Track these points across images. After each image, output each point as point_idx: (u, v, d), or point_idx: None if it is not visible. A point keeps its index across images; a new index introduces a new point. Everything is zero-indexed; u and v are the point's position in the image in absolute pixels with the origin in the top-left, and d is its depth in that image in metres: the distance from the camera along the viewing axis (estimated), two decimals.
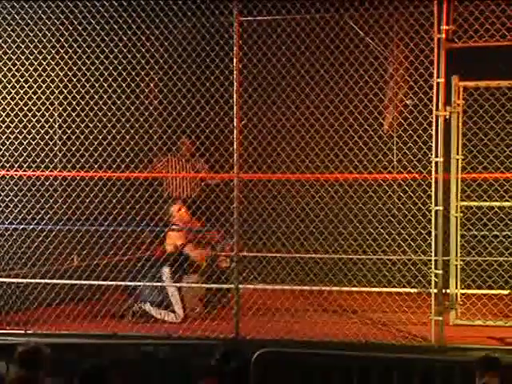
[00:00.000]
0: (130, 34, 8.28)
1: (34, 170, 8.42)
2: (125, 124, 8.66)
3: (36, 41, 8.37)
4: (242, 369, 5.46)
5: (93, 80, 8.48)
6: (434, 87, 7.24)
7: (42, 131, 8.55)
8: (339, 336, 7.58)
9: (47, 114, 8.65)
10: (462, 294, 7.95)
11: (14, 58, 8.52)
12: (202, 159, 9.94)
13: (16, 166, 8.54)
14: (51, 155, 8.75)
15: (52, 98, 8.74)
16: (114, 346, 7.60)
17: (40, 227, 8.36)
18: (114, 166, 8.53)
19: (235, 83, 7.60)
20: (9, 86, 8.55)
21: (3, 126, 8.50)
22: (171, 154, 9.94)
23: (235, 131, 7.65)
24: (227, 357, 5.41)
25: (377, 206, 8.93)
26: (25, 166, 8.48)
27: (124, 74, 8.41)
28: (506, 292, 8.20)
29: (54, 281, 8.38)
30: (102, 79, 8.39)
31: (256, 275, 8.91)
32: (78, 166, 8.74)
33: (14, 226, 8.46)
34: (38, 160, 8.53)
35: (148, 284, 8.51)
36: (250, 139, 8.78)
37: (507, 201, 8.17)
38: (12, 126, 8.51)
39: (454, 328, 7.72)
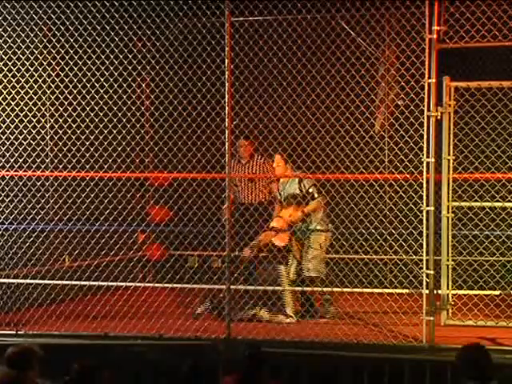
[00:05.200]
0: (122, 34, 8.27)
1: (25, 171, 8.41)
2: (116, 124, 8.66)
3: (27, 41, 8.36)
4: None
5: (84, 80, 8.47)
6: (426, 88, 7.24)
7: (34, 131, 8.54)
8: (330, 336, 7.59)
9: (39, 115, 8.64)
10: (454, 295, 7.95)
11: (5, 58, 8.50)
12: (262, 159, 9.51)
13: (7, 166, 8.53)
14: (42, 155, 8.74)
15: (44, 98, 8.73)
16: (104, 347, 7.60)
17: (31, 227, 8.34)
18: (106, 167, 8.52)
19: (227, 83, 7.59)
20: None
21: None
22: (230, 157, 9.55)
23: (226, 131, 7.64)
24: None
25: (368, 207, 8.93)
26: (16, 166, 8.47)
27: (116, 74, 8.41)
28: (496, 293, 8.20)
29: (46, 281, 8.37)
30: (93, 79, 8.38)
31: (247, 276, 8.89)
32: (69, 167, 8.74)
33: (5, 227, 8.44)
34: (29, 160, 8.51)
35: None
36: (241, 139, 8.78)
37: (498, 201, 8.17)
38: (3, 126, 8.50)
39: (446, 328, 7.72)
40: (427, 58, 7.22)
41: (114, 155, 8.61)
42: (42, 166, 8.74)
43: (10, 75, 8.48)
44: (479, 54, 9.66)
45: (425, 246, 7.26)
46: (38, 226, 8.35)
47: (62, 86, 8.51)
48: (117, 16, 8.15)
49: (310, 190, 8.81)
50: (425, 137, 7.24)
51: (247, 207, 9.31)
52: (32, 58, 8.43)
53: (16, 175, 8.45)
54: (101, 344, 7.67)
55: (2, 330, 8.00)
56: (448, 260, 7.60)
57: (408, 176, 7.55)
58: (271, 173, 9.36)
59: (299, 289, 8.55)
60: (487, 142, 8.96)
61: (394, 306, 7.95)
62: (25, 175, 8.44)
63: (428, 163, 7.25)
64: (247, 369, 5.92)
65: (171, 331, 7.84)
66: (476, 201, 8.21)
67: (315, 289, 8.47)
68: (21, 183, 8.51)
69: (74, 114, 8.65)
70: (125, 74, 8.50)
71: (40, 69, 8.50)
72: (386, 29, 9.13)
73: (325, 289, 8.47)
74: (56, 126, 8.87)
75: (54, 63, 8.82)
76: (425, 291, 7.28)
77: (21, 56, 8.42)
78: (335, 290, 8.32)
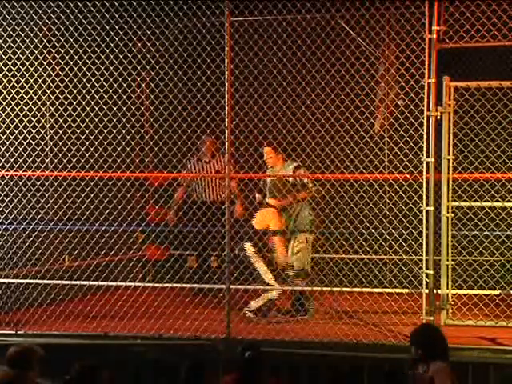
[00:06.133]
0: (122, 34, 8.28)
1: (25, 171, 8.41)
2: (116, 124, 8.66)
3: (27, 41, 8.36)
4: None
5: (84, 80, 8.47)
6: (425, 87, 7.24)
7: (34, 131, 8.54)
8: (330, 336, 7.59)
9: (38, 115, 8.64)
10: (453, 294, 7.96)
11: (5, 58, 8.51)
12: (223, 158, 9.41)
13: (7, 166, 8.53)
14: (42, 155, 8.74)
15: (43, 98, 8.73)
16: (104, 347, 7.60)
17: (31, 227, 8.34)
18: (106, 167, 8.52)
19: (226, 83, 7.59)
20: None
21: None
22: (191, 155, 9.76)
23: (226, 131, 7.64)
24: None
25: (368, 206, 8.93)
26: (16, 166, 8.47)
27: (115, 74, 8.41)
28: (496, 292, 8.20)
29: (46, 281, 8.36)
30: (93, 79, 8.38)
31: (247, 275, 8.89)
32: (69, 167, 8.74)
33: (5, 226, 8.44)
34: (29, 160, 8.51)
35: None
36: (241, 139, 8.78)
37: (498, 201, 8.18)
38: (3, 126, 8.50)
39: (445, 328, 7.69)
40: (427, 57, 7.22)
41: (114, 155, 8.61)
42: (42, 166, 8.74)
43: (9, 75, 8.48)
44: (479, 53, 9.66)
45: (424, 245, 7.26)
46: (38, 226, 8.34)
47: (62, 85, 8.51)
48: (117, 16, 8.14)
49: (305, 181, 8.73)
50: (424, 137, 7.24)
51: (209, 206, 9.47)
52: (32, 58, 8.42)
53: (16, 175, 8.45)
54: (101, 344, 7.67)
55: (1, 330, 8.00)
56: (448, 260, 7.60)
57: (408, 176, 7.55)
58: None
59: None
60: (487, 142, 8.97)
61: (394, 305, 7.94)
62: (25, 175, 8.43)
63: (428, 163, 7.25)
64: (246, 369, 5.93)
65: (171, 331, 7.84)
66: (476, 201, 8.22)
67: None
68: (21, 183, 8.50)
69: (74, 114, 8.65)
70: (125, 73, 8.50)
71: (40, 69, 8.49)
72: (386, 28, 9.13)
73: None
74: (56, 126, 8.88)
75: (54, 63, 8.82)
76: (424, 291, 7.29)
77: (21, 56, 8.42)
78: (335, 289, 8.32)
